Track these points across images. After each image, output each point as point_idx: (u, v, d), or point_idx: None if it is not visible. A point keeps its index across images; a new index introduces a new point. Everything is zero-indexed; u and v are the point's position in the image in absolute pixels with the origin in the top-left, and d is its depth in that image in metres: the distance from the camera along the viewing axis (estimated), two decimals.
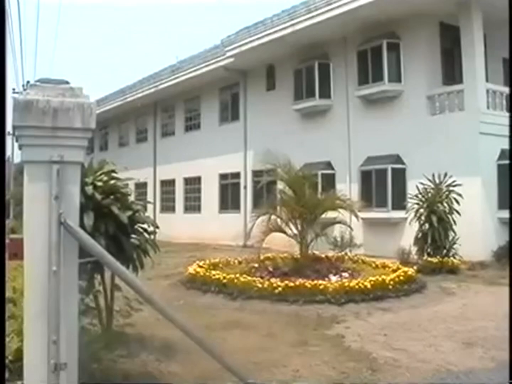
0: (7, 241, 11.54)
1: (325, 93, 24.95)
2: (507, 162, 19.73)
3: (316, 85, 24.94)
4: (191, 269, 14.92)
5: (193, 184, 33.80)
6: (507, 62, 23.60)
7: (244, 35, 26.37)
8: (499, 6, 19.96)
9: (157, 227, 8.14)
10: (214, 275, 13.93)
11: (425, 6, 20.44)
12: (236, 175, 30.22)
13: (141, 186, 35.57)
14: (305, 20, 23.00)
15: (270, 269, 14.78)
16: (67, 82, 4.29)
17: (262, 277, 13.48)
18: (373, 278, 13.00)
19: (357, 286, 12.54)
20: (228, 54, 27.47)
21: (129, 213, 7.11)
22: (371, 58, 22.56)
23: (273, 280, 12.92)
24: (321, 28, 22.84)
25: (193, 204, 33.73)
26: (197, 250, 24.14)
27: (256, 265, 15.35)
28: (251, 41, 25.91)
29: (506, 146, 19.64)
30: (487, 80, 20.63)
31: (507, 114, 20.41)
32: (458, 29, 20.75)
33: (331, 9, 21.91)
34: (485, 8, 20.03)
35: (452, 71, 21.53)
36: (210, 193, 31.95)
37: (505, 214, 19.60)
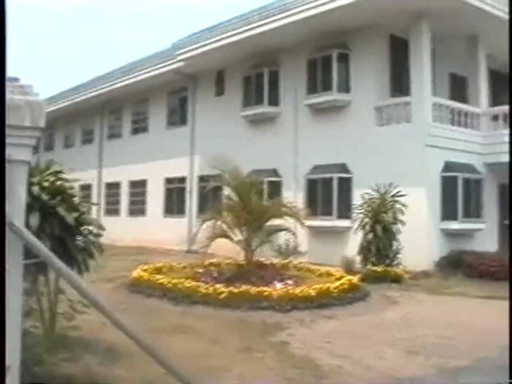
0: None
1: (274, 100, 24.97)
2: (451, 174, 20.17)
3: (265, 92, 24.93)
4: (135, 273, 14.82)
5: (138, 187, 33.51)
6: (453, 77, 24.16)
7: (196, 39, 26.23)
8: (447, 22, 20.50)
9: (103, 229, 8.05)
10: (158, 279, 13.87)
11: (376, 19, 20.70)
12: (182, 179, 30.06)
13: (85, 188, 35.11)
14: (258, 27, 23.01)
15: (215, 274, 14.78)
16: (16, 79, 4.21)
17: (206, 283, 13.45)
18: (318, 286, 13.05)
19: (301, 294, 12.58)
20: (179, 58, 27.29)
21: (76, 214, 7.02)
22: (321, 67, 22.67)
23: (217, 285, 12.89)
24: (273, 35, 22.92)
25: (138, 208, 33.45)
26: (141, 254, 23.93)
27: (201, 270, 15.31)
28: (202, 46, 25.76)
29: (450, 158, 20.14)
30: (434, 94, 20.92)
31: (453, 128, 20.86)
32: (407, 42, 21.06)
33: (284, 17, 21.97)
34: (434, 23, 20.37)
35: (400, 83, 21.76)
36: (155, 197, 31.72)
37: (448, 225, 20.03)
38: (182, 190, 30.08)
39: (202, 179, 27.87)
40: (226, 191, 16.98)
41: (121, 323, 4.12)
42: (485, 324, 11.69)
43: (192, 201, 29.22)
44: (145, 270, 15.10)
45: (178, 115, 31.31)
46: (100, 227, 7.92)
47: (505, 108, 22.06)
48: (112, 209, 34.99)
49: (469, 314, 12.86)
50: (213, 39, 25.18)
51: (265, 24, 22.80)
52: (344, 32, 21.78)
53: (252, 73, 25.52)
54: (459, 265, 18.71)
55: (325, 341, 9.74)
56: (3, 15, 3.89)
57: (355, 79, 22.08)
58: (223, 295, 12.32)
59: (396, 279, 17.08)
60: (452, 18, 20.47)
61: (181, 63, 27.60)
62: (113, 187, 35.83)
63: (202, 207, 26.77)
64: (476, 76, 22.92)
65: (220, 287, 12.71)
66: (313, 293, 12.66)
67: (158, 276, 14.27)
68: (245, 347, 9.11)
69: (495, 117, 22.31)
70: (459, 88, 23.76)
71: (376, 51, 21.79)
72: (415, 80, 20.58)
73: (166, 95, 31.96)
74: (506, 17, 20.76)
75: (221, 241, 15.38)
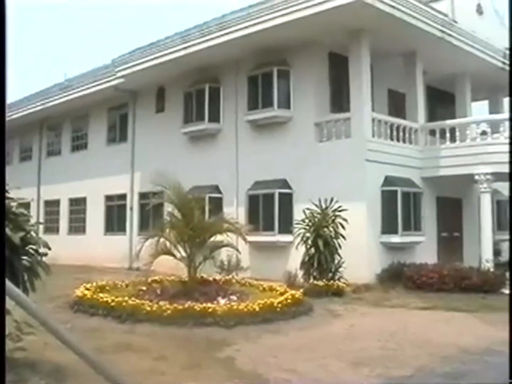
0: None
1: (215, 117, 24.97)
2: (390, 188, 20.49)
3: (206, 109, 24.89)
4: (78, 292, 14.62)
5: (78, 205, 33.12)
6: (391, 93, 24.63)
7: (136, 55, 26.13)
8: (386, 39, 20.91)
9: (49, 248, 7.97)
10: (101, 298, 13.71)
11: (315, 36, 20.97)
12: (123, 196, 29.84)
13: (24, 207, 34.55)
14: (198, 43, 23.04)
15: (159, 292, 14.71)
16: None
17: (150, 300, 13.38)
18: (262, 301, 13.13)
19: (245, 309, 12.66)
20: (119, 74, 27.16)
21: (21, 234, 6.94)
22: (262, 83, 22.81)
23: (162, 303, 12.85)
24: (214, 52, 22.97)
25: (78, 226, 33.04)
26: (83, 273, 23.62)
27: (144, 288, 15.24)
28: (142, 62, 25.66)
29: (390, 173, 20.49)
30: (373, 110, 21.20)
31: (391, 143, 21.21)
32: (347, 59, 21.31)
33: (224, 34, 22.04)
34: (373, 40, 20.73)
35: (340, 99, 22.06)
36: (95, 215, 31.39)
37: (388, 238, 20.32)
38: (122, 207, 29.86)
39: (143, 196, 27.75)
40: (168, 207, 16.94)
41: (71, 341, 4.09)
42: (426, 334, 11.95)
43: (133, 218, 29.03)
44: (88, 289, 14.90)
45: (118, 132, 31.11)
46: (46, 245, 7.84)
47: (441, 123, 22.66)
48: (52, 227, 34.43)
49: (410, 325, 13.08)
50: (153, 56, 25.12)
51: (205, 41, 22.84)
52: (284, 49, 21.99)
53: (193, 90, 25.49)
54: (400, 277, 19.00)
55: (272, 355, 9.78)
56: (3, 15, 3.87)
57: (295, 95, 22.27)
58: (167, 312, 12.28)
59: (338, 293, 17.20)
60: (390, 35, 20.89)
61: (121, 80, 27.47)
62: (52, 204, 35.32)
63: (143, 224, 26.70)
64: (414, 92, 23.36)
65: (164, 304, 12.67)
66: (257, 308, 12.73)
67: (101, 295, 14.11)
68: (193, 364, 9.10)
69: (432, 132, 22.79)
70: (397, 104, 24.23)
71: (316, 68, 22.04)
72: (354, 96, 20.86)
73: (106, 112, 31.75)
74: (440, 34, 21.43)
75: (164, 258, 15.29)
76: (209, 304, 12.77)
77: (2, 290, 3.83)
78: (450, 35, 22.32)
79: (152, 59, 25.24)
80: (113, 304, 13.09)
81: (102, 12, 74.77)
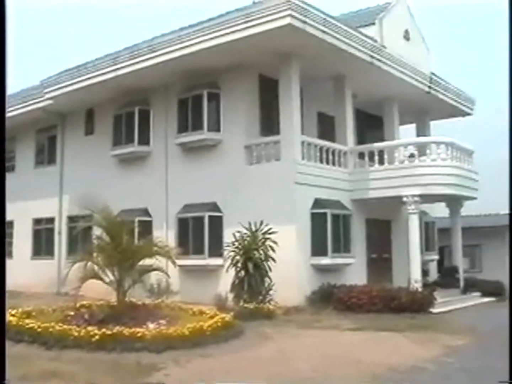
0: None
1: (145, 140, 24.77)
2: (320, 210, 20.60)
3: (136, 131, 24.68)
4: None
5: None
6: (321, 116, 24.90)
7: (65, 77, 25.73)
8: (315, 63, 21.15)
9: None
10: (27, 324, 13.30)
11: (245, 59, 21.07)
12: (51, 220, 29.29)
13: None
14: (128, 66, 22.87)
15: (86, 317, 14.33)
16: None
17: (78, 325, 13.01)
18: (191, 325, 12.99)
19: (175, 333, 12.50)
20: (47, 96, 26.69)
21: None
22: (192, 106, 22.75)
23: (90, 328, 12.52)
24: (144, 74, 22.83)
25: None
26: (10, 298, 22.60)
27: (72, 313, 14.83)
28: (71, 84, 25.28)
29: (320, 195, 20.63)
30: (302, 133, 21.37)
31: (321, 165, 21.38)
32: (277, 82, 21.45)
33: (154, 57, 21.91)
34: (302, 64, 20.93)
35: (270, 122, 22.09)
36: (22, 239, 30.66)
37: (318, 260, 20.40)
38: (50, 231, 29.28)
39: (71, 219, 27.26)
40: (97, 231, 16.65)
41: None
42: (357, 354, 12.01)
43: (61, 242, 28.49)
44: (13, 315, 14.46)
45: (47, 154, 30.58)
46: None
47: (370, 146, 22.98)
48: None
49: (341, 346, 13.14)
50: (82, 78, 24.79)
51: (134, 63, 22.67)
52: (215, 71, 22.00)
53: (123, 112, 25.26)
54: (330, 299, 19.10)
55: (201, 379, 9.66)
56: (3, 16, 3.72)
57: (225, 118, 22.27)
58: (96, 338, 11.99)
59: (269, 316, 17.16)
60: (320, 59, 21.13)
61: (50, 101, 27.02)
62: None
63: (71, 248, 26.21)
64: (343, 115, 23.62)
65: (92, 329, 12.36)
66: (187, 332, 12.59)
67: (27, 321, 13.69)
68: None
69: (361, 155, 23.07)
70: (327, 127, 24.44)
71: (246, 91, 22.10)
72: (284, 119, 20.97)
73: (34, 134, 31.21)
74: (369, 59, 21.78)
75: (92, 282, 14.98)
76: (138, 329, 12.53)
77: (2, 290, 3.72)
78: (379, 60, 22.72)
79: (81, 81, 24.90)
80: (39, 330, 12.70)
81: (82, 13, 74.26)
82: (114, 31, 67.43)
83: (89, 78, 24.54)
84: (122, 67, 23.14)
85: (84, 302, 16.39)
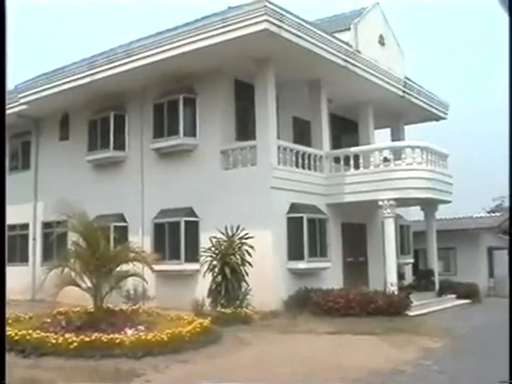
0: None
1: (120, 145, 24.68)
2: (296, 215, 20.64)
3: (111, 136, 24.57)
4: None
5: None
6: (296, 120, 24.96)
7: (40, 82, 25.51)
8: (291, 68, 21.21)
9: None
10: None
11: (221, 64, 21.11)
12: (25, 226, 29.03)
13: None
14: (104, 70, 22.76)
15: (64, 324, 14.25)
16: None
17: (56, 333, 12.94)
18: (170, 331, 13.00)
19: (154, 339, 12.49)
20: (22, 100, 26.43)
21: None
22: (168, 111, 22.68)
23: (67, 335, 12.48)
24: (120, 79, 22.76)
25: None
26: None
27: (49, 320, 14.75)
28: (45, 89, 25.12)
29: (296, 200, 20.67)
30: (278, 137, 21.41)
31: (297, 170, 21.43)
32: (253, 87, 21.49)
33: (131, 61, 21.84)
34: (278, 69, 20.97)
35: (246, 127, 22.13)
36: None
37: (295, 265, 20.44)
38: (25, 237, 29.04)
39: (46, 225, 27.05)
40: (73, 237, 16.52)
41: None
42: (336, 358, 12.05)
43: (36, 248, 28.28)
44: None
45: (21, 160, 30.29)
46: None
47: (346, 150, 23.06)
48: None
49: (320, 350, 13.19)
50: (57, 83, 24.60)
51: (110, 68, 22.57)
52: (190, 76, 21.99)
53: (98, 117, 25.14)
54: (307, 303, 19.11)
55: None
56: (3, 16, 3.69)
57: (201, 123, 22.24)
58: (74, 345, 11.94)
59: (247, 320, 17.17)
60: (296, 64, 21.18)
61: (24, 106, 26.78)
62: None
63: (47, 255, 26.01)
64: (319, 120, 23.72)
65: (70, 336, 12.32)
66: (165, 338, 12.59)
67: None
68: None
69: (337, 159, 23.14)
70: (303, 131, 24.55)
71: (222, 96, 22.10)
72: (260, 124, 21.00)
73: (8, 139, 30.86)
74: (344, 63, 21.89)
75: (69, 288, 14.90)
76: (116, 335, 12.52)
77: (2, 290, 3.68)
78: (353, 64, 22.85)
79: (56, 86, 24.71)
80: (16, 338, 12.57)
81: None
82: (107, 31, 67.33)
83: (64, 83, 24.36)
84: (98, 72, 23.01)
85: (61, 309, 16.34)
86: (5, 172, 3.75)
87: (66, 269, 15.05)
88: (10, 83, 27.36)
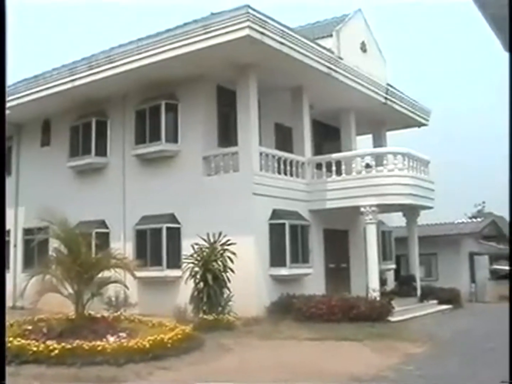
0: None
1: (102, 151, 24.60)
2: (278, 221, 20.65)
3: (93, 142, 24.50)
4: None
5: None
6: (278, 127, 24.99)
7: (21, 87, 25.36)
8: (273, 74, 21.25)
9: None
10: None
11: (203, 70, 21.10)
12: (6, 232, 28.80)
13: None
14: (85, 76, 22.67)
15: (45, 331, 14.15)
16: None
17: (37, 340, 12.83)
18: (152, 338, 12.91)
19: (136, 346, 12.43)
20: None
21: None
22: (150, 117, 22.65)
23: (49, 342, 12.36)
24: (101, 85, 22.68)
25: None
26: None
27: (30, 327, 14.63)
28: (27, 95, 25.01)
29: (278, 206, 20.68)
30: (260, 144, 21.41)
31: (279, 176, 21.44)
32: (235, 93, 21.52)
33: (112, 67, 21.78)
34: (260, 75, 21.02)
35: (228, 133, 22.16)
36: None
37: (277, 271, 20.44)
38: (5, 244, 28.80)
39: (27, 231, 26.82)
40: (54, 243, 16.43)
41: None
42: (319, 364, 12.07)
43: (17, 255, 28.05)
44: None
45: None
46: None
47: (328, 156, 23.09)
48: None
49: (302, 356, 13.19)
50: (38, 88, 24.51)
51: (92, 74, 22.49)
52: (173, 82, 21.95)
53: (80, 123, 25.05)
54: (289, 309, 19.10)
55: None
56: (3, 16, 3.66)
57: (183, 129, 22.22)
58: (55, 352, 11.84)
59: (229, 327, 17.13)
60: (278, 70, 21.20)
61: (6, 112, 26.55)
62: None
63: (28, 261, 25.82)
64: (301, 126, 23.75)
65: (51, 343, 12.21)
66: (147, 345, 12.52)
67: None
68: None
69: (318, 166, 23.16)
70: (285, 138, 24.56)
71: (204, 102, 22.09)
72: (242, 130, 21.02)
73: None
74: (326, 70, 21.96)
75: (50, 295, 14.80)
76: (98, 342, 12.44)
77: (2, 290, 3.64)
78: (335, 71, 22.91)
79: (37, 91, 24.62)
80: None
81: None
82: (107, 32, 67.39)
83: (45, 89, 24.28)
84: (80, 78, 22.92)
85: (42, 316, 16.20)
86: (5, 172, 3.73)
87: (48, 276, 14.96)
88: (10, 83, 27.31)
